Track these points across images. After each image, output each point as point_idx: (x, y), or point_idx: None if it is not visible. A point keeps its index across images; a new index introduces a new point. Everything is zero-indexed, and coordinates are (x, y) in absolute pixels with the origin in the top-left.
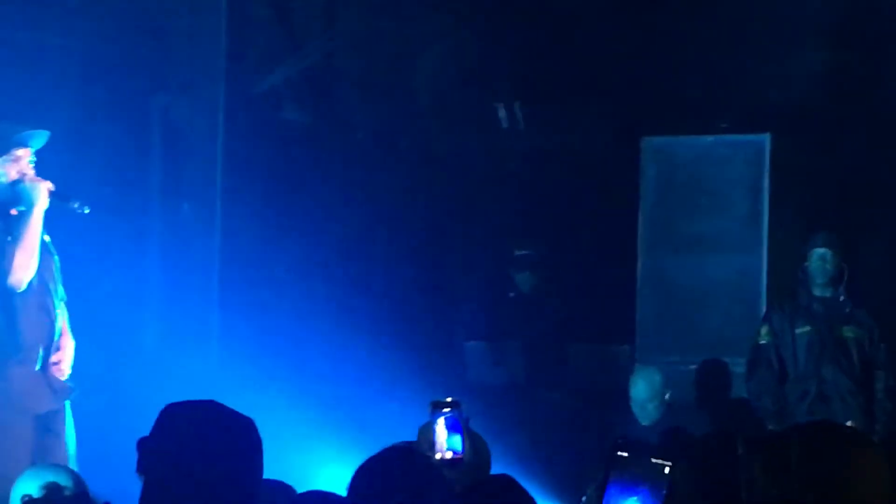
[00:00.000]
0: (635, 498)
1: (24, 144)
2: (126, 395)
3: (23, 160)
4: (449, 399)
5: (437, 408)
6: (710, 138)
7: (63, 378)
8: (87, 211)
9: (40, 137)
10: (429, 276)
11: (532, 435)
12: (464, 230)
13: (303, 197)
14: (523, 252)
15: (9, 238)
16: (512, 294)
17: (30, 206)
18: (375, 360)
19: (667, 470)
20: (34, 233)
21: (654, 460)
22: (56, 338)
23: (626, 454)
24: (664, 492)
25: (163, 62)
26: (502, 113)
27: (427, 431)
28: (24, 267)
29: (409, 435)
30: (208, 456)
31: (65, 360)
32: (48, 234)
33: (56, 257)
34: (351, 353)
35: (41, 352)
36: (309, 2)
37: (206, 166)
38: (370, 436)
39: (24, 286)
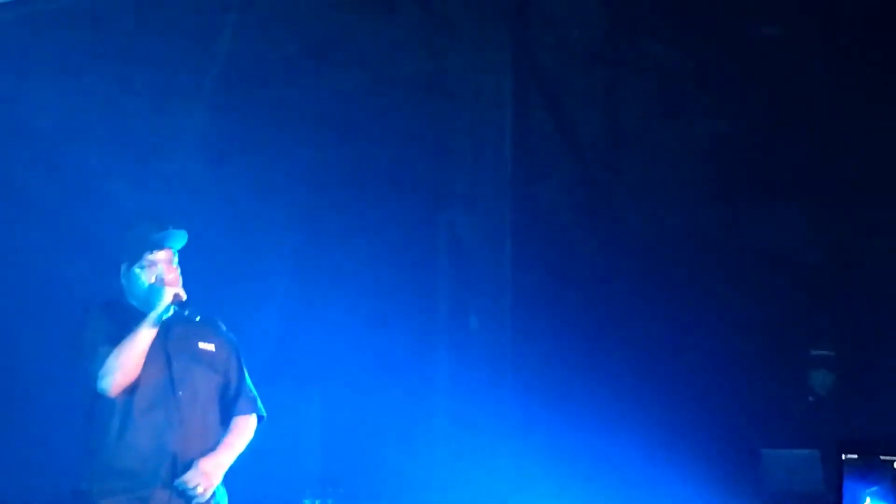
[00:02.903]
0: (871, 489)
1: (160, 246)
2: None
3: (160, 264)
4: None
5: None
6: None
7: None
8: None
9: (178, 238)
10: (723, 380)
11: None
12: (754, 331)
13: (593, 311)
14: (820, 352)
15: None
16: (811, 398)
17: (150, 309)
18: (672, 465)
19: None
20: (139, 337)
21: (882, 457)
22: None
23: (854, 455)
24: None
25: (448, 177)
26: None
27: None
28: (115, 370)
29: None
30: None
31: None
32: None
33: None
34: (645, 458)
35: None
36: (591, 111)
37: (493, 279)
38: None
39: (113, 391)
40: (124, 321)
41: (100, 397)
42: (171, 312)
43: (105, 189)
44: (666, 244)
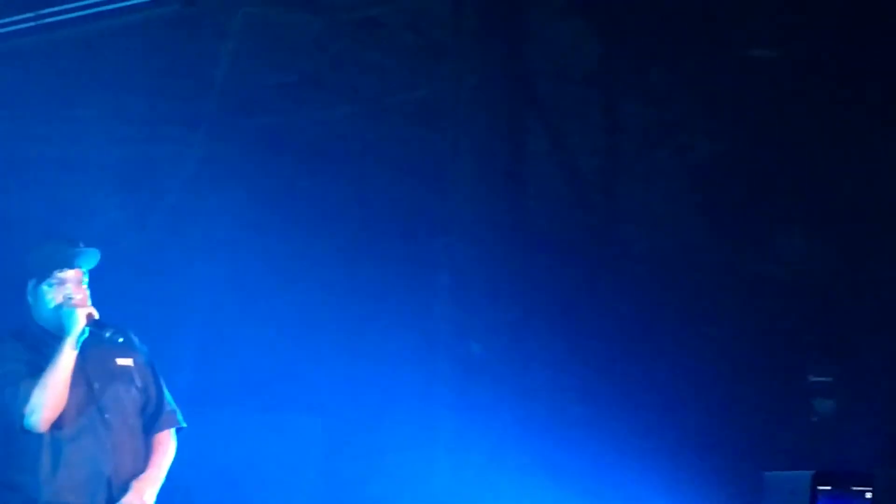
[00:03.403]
0: None
1: (70, 264)
2: None
3: (68, 283)
4: None
5: None
6: None
7: None
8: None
9: (89, 257)
10: (724, 403)
11: None
12: (754, 353)
13: (592, 334)
14: (821, 379)
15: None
16: (815, 419)
17: (64, 334)
18: (674, 488)
19: (868, 495)
20: (61, 365)
21: (854, 488)
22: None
23: (828, 486)
24: None
25: (445, 204)
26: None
27: None
28: (43, 405)
29: None
30: None
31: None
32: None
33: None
34: (648, 481)
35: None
36: (588, 136)
37: (493, 305)
38: None
39: (43, 426)
40: (36, 347)
41: (24, 433)
42: (86, 334)
43: (101, 217)
44: (663, 267)
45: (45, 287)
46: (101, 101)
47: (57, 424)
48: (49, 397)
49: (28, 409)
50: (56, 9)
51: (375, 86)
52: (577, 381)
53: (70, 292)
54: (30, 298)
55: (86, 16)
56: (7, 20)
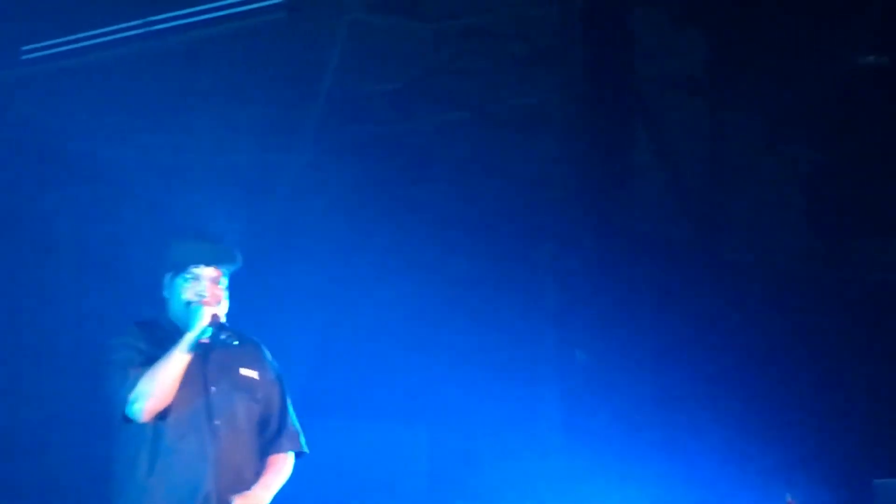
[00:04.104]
0: None
1: (206, 261)
2: None
3: (203, 280)
4: None
5: None
6: None
7: None
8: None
9: (227, 256)
10: (835, 411)
11: None
12: (864, 361)
13: (698, 342)
14: None
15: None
16: None
17: (187, 330)
18: (781, 495)
19: None
20: (174, 360)
21: None
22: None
23: None
24: None
25: (549, 210)
26: None
27: None
28: (147, 394)
29: None
30: None
31: None
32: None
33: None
34: (758, 489)
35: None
36: (693, 143)
37: (597, 312)
38: None
39: (144, 417)
40: (161, 341)
41: (128, 424)
42: (208, 335)
43: (209, 225)
44: (770, 276)
45: (179, 281)
46: (207, 109)
47: (161, 420)
48: (156, 388)
49: (133, 396)
50: (164, 16)
51: (482, 93)
52: (683, 389)
53: (202, 289)
54: (165, 292)
55: (193, 23)
56: (116, 27)
